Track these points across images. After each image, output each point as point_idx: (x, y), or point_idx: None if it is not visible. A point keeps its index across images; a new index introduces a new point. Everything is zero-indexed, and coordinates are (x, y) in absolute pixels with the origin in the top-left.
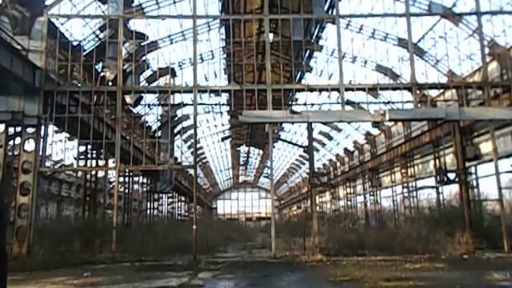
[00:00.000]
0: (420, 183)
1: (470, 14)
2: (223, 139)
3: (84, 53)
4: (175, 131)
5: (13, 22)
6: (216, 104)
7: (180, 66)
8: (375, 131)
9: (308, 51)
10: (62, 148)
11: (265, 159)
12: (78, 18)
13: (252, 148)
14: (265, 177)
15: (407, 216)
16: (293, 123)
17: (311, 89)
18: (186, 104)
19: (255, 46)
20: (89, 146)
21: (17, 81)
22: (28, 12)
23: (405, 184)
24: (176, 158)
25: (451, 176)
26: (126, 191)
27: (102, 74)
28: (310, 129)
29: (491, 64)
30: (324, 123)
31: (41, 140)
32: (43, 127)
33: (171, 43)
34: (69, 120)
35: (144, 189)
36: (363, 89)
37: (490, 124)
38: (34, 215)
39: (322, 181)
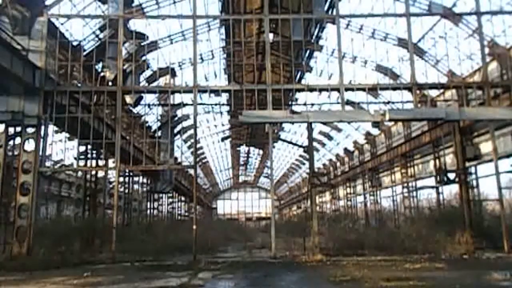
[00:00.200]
0: (420, 183)
1: (470, 14)
2: (223, 139)
3: (84, 53)
4: (175, 131)
5: (13, 22)
6: (216, 104)
7: (180, 66)
8: (375, 131)
9: (308, 51)
10: (62, 148)
11: (265, 159)
12: (78, 18)
13: (252, 148)
14: (265, 177)
15: (407, 216)
16: (293, 123)
17: (311, 89)
18: (186, 104)
19: (255, 46)
20: (89, 146)
21: (17, 81)
22: (28, 12)
23: (405, 184)
24: (176, 158)
25: (451, 176)
26: (126, 191)
27: (102, 74)
28: (310, 129)
29: (491, 64)
30: (324, 123)
31: (41, 140)
32: (43, 127)
33: (171, 43)
34: (69, 120)
35: (144, 189)
36: (363, 89)
37: (490, 124)
38: (34, 215)
39: (322, 181)
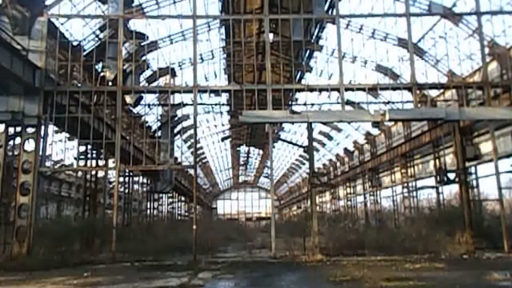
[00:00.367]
0: (420, 183)
1: (470, 14)
2: (223, 139)
3: (84, 53)
4: (175, 131)
5: (13, 22)
6: (216, 104)
7: (180, 66)
8: (375, 131)
9: (308, 51)
10: (62, 148)
11: (265, 159)
12: (78, 18)
13: (252, 148)
14: (265, 177)
15: (407, 216)
16: (293, 123)
17: (311, 89)
18: (186, 104)
19: (255, 46)
20: (89, 146)
21: (17, 81)
22: (28, 12)
23: (405, 184)
24: (176, 158)
25: (451, 176)
26: (126, 191)
27: (102, 74)
28: (310, 129)
29: (491, 64)
30: (324, 123)
31: (41, 140)
32: (43, 127)
33: (171, 43)
34: (69, 120)
35: (144, 189)
36: (363, 89)
37: (490, 124)
38: (34, 215)
39: (322, 181)
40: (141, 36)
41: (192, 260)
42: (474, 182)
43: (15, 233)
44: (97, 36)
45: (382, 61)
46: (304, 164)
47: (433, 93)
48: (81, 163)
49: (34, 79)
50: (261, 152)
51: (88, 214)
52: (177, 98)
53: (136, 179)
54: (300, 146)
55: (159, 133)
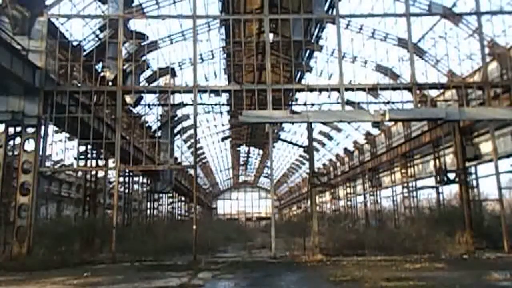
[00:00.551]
0: (420, 183)
1: (470, 14)
2: (223, 139)
3: (84, 53)
4: (175, 131)
5: (13, 22)
6: (216, 104)
7: (180, 66)
8: (375, 131)
9: (308, 51)
10: (62, 148)
11: (265, 159)
12: (78, 18)
13: (252, 148)
14: (265, 177)
15: (407, 216)
16: (293, 123)
17: (311, 89)
18: (186, 104)
19: (255, 46)
20: (89, 146)
21: (17, 81)
22: (28, 12)
23: (405, 184)
24: (176, 158)
25: (451, 176)
26: (126, 191)
27: (102, 74)
28: (310, 129)
29: (491, 64)
30: (324, 123)
31: (41, 140)
32: (43, 127)
33: (171, 43)
34: (69, 120)
35: (144, 189)
36: (363, 89)
37: (490, 124)
38: (34, 215)
39: (322, 181)
40: (141, 36)
41: (192, 260)
42: (474, 182)
43: (15, 233)
44: (97, 36)
45: (382, 61)
46: (304, 164)
47: (433, 93)
48: (81, 163)
49: (34, 79)
50: (261, 152)
51: (88, 214)
52: (177, 98)
53: (136, 179)
54: (300, 146)
55: (159, 133)
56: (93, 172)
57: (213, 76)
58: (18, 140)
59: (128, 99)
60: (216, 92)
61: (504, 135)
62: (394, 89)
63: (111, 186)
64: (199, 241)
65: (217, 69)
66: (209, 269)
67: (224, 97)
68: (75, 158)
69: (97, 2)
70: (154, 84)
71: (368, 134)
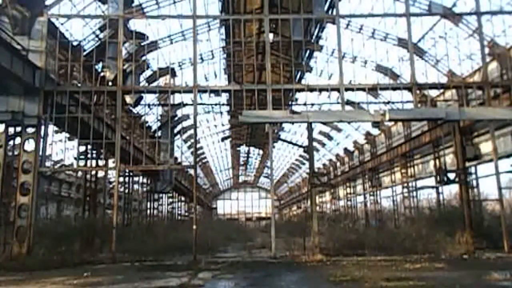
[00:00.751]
0: (420, 183)
1: (470, 14)
2: (223, 139)
3: (84, 53)
4: (175, 131)
5: (13, 22)
6: (216, 104)
7: (180, 66)
8: (375, 131)
9: (308, 51)
10: (62, 148)
11: (265, 159)
12: (78, 18)
13: (252, 148)
14: (265, 177)
15: (407, 216)
16: (293, 123)
17: (311, 89)
18: (186, 104)
19: (255, 46)
20: (89, 146)
21: (17, 81)
22: (28, 12)
23: (405, 184)
24: (176, 158)
25: (451, 176)
26: (126, 191)
27: (102, 74)
28: (310, 129)
29: (491, 64)
30: (324, 123)
31: (41, 140)
32: (43, 127)
33: (171, 43)
34: (69, 120)
35: (144, 189)
36: (363, 89)
37: (490, 124)
38: (34, 215)
39: (322, 181)
40: (141, 36)
41: (192, 260)
42: (474, 182)
43: (15, 233)
44: (97, 36)
45: (382, 61)
46: (304, 164)
47: (433, 93)
48: (81, 163)
49: (34, 79)
50: (261, 152)
51: (88, 214)
52: (177, 98)
53: (136, 179)
54: (300, 146)
55: (159, 133)
56: (93, 172)
57: (213, 76)
58: (18, 140)
59: (128, 99)
60: (216, 92)
61: (504, 135)
62: (394, 89)
63: (111, 186)
64: (199, 241)
65: (217, 69)
66: (209, 269)
67: (224, 97)
68: (75, 158)
69: (97, 2)
70: (154, 84)
71: (368, 134)
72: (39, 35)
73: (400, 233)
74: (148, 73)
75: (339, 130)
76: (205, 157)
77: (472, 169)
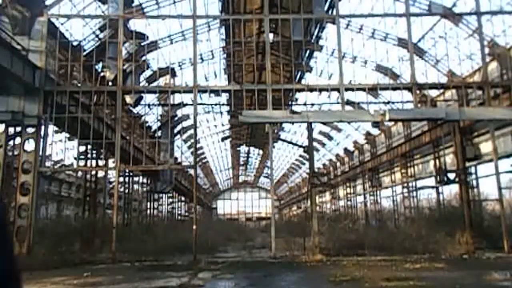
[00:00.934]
0: (420, 183)
1: (470, 14)
2: (223, 139)
3: (84, 53)
4: (175, 131)
5: (13, 22)
6: (216, 104)
7: (180, 66)
8: (375, 131)
9: (308, 51)
10: (62, 148)
11: (265, 159)
12: (78, 18)
13: (252, 148)
14: (265, 177)
15: (407, 216)
16: (293, 123)
17: (311, 89)
18: (186, 104)
19: (255, 46)
20: (89, 146)
21: (17, 81)
22: (28, 12)
23: (405, 184)
24: (176, 158)
25: (451, 176)
26: (126, 191)
27: (102, 74)
28: (310, 129)
29: (491, 64)
30: (324, 123)
31: (41, 140)
32: (43, 127)
33: (171, 43)
34: (69, 120)
35: (144, 189)
36: (363, 89)
37: (490, 124)
38: (34, 215)
39: (322, 181)
40: (141, 36)
41: (192, 260)
42: (474, 182)
43: (15, 233)
44: (97, 36)
45: (382, 61)
46: (304, 164)
47: (433, 93)
48: (81, 163)
49: (34, 79)
50: (261, 152)
51: (88, 214)
52: (177, 98)
53: (136, 179)
54: (300, 146)
55: (159, 133)
56: (93, 172)
57: (213, 76)
58: (18, 140)
59: (128, 99)
60: (216, 92)
61: (504, 135)
62: (394, 89)
63: (111, 186)
64: (199, 241)
65: (217, 69)
66: (209, 269)
67: (224, 97)
68: (75, 158)
69: (97, 2)
70: (154, 84)
71: (368, 134)
72: (39, 35)
73: (400, 233)
74: (148, 73)
75: (339, 130)
76: (205, 157)
77: (472, 169)
